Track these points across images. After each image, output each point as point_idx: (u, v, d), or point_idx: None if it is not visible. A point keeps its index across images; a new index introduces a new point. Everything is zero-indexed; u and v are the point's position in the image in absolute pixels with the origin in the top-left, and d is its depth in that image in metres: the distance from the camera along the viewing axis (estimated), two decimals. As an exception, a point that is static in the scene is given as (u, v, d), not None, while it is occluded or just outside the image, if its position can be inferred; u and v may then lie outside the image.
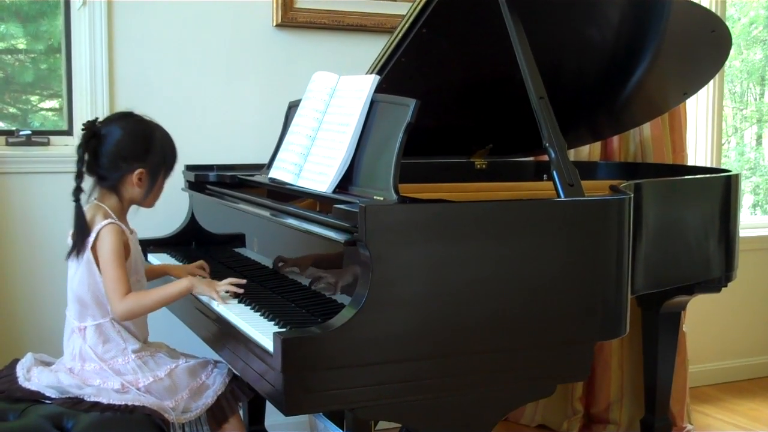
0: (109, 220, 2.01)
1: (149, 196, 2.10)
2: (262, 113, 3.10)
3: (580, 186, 2.01)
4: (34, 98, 3.08)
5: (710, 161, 4.04)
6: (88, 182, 2.06)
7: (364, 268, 1.68)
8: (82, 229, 2.01)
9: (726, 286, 2.74)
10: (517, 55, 2.11)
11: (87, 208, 2.06)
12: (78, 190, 2.01)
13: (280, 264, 2.21)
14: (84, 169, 2.01)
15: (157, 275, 2.34)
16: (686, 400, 3.44)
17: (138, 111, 2.13)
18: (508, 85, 2.47)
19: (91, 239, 2.00)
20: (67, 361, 2.05)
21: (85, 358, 2.02)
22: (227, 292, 2.06)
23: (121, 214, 2.08)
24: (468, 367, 1.79)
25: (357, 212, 1.68)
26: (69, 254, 2.04)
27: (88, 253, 2.00)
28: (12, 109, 3.02)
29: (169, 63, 2.99)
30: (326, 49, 3.19)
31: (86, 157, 2.01)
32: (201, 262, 2.34)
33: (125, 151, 2.04)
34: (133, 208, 2.15)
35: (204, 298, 2.10)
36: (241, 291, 2.07)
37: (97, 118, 2.09)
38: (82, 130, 2.04)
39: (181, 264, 2.46)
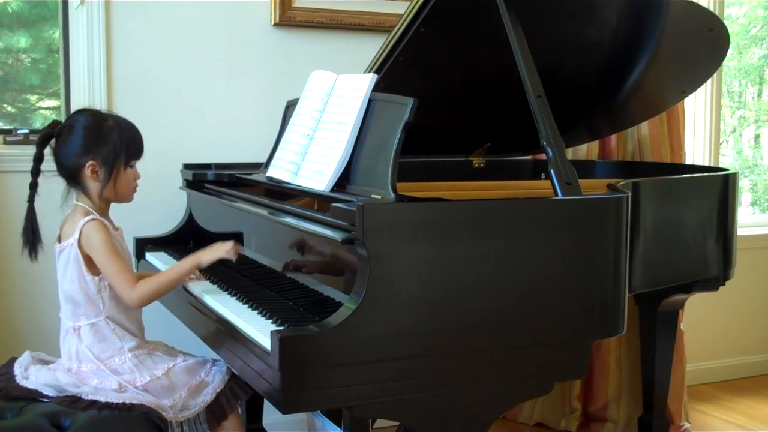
0: (90, 217, 2.03)
1: (109, 187, 2.06)
2: (260, 112, 3.10)
3: (578, 185, 2.01)
4: (33, 98, 3.08)
5: (708, 160, 4.04)
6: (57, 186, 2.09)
7: (361, 267, 1.68)
8: (29, 230, 2.06)
9: (723, 284, 2.74)
10: (514, 54, 2.12)
11: (69, 212, 2.09)
12: (32, 190, 2.06)
13: (277, 262, 2.21)
14: (41, 168, 2.06)
15: None
16: (684, 399, 3.44)
17: (95, 105, 2.16)
18: (506, 84, 2.47)
19: (75, 236, 2.01)
20: (65, 361, 2.05)
21: (81, 359, 2.02)
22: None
23: (101, 212, 2.09)
24: (465, 366, 1.79)
25: (354, 211, 1.68)
26: (23, 251, 2.08)
27: (75, 251, 2.01)
28: (11, 108, 3.02)
29: (167, 62, 2.99)
30: (324, 48, 3.19)
31: (42, 157, 2.06)
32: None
33: (74, 146, 2.05)
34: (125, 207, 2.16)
35: (195, 291, 2.13)
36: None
37: (59, 121, 2.11)
38: (44, 129, 2.09)
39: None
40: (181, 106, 3.01)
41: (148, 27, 2.96)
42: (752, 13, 4.61)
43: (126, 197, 2.14)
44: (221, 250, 2.10)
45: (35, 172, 2.06)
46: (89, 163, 2.04)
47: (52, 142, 2.08)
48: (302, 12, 3.11)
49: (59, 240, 2.06)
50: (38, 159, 2.06)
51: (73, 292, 2.03)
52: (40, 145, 2.07)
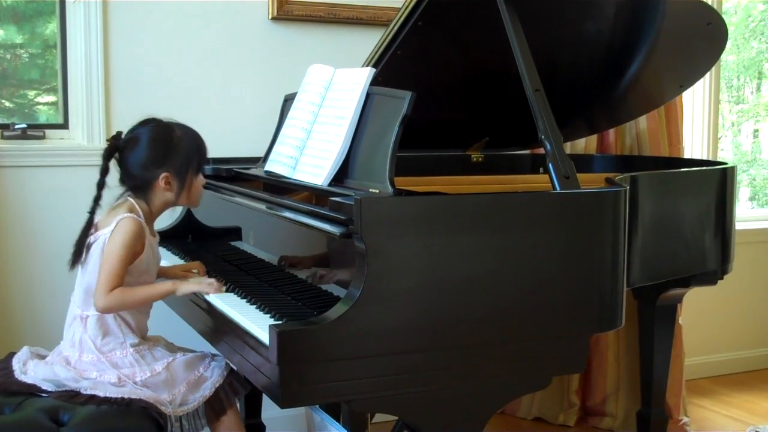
0: (132, 214, 2.03)
1: (183, 195, 2.09)
2: (258, 106, 3.10)
3: (576, 178, 2.01)
4: (31, 93, 3.08)
5: (706, 154, 4.04)
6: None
7: (359, 261, 1.68)
8: (82, 241, 2.04)
9: (722, 278, 2.74)
10: (512, 48, 2.11)
11: (115, 204, 2.09)
12: (95, 203, 2.05)
13: (276, 257, 2.21)
14: (106, 180, 2.05)
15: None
16: (682, 393, 3.44)
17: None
18: (505, 78, 2.46)
19: (111, 228, 2.00)
20: (66, 348, 2.05)
21: (83, 348, 2.02)
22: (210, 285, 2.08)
23: (149, 217, 2.10)
24: (463, 360, 1.79)
25: (352, 205, 1.68)
26: (71, 263, 2.05)
27: (106, 243, 2.00)
28: (8, 104, 3.02)
29: (165, 56, 2.99)
30: (322, 42, 3.18)
31: (108, 169, 2.06)
32: (198, 263, 2.32)
33: (146, 159, 2.06)
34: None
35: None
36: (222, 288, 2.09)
37: (121, 132, 2.10)
38: (107, 142, 2.09)
39: (177, 264, 2.43)
40: (178, 101, 3.01)
41: (146, 21, 2.95)
42: (751, 7, 4.61)
43: (196, 202, 2.17)
44: (202, 284, 2.08)
45: (101, 185, 2.06)
46: (163, 175, 2.06)
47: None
48: (300, 6, 3.11)
49: (95, 229, 2.06)
50: (104, 172, 2.06)
51: (93, 283, 2.02)
52: (106, 158, 2.06)
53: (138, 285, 2.04)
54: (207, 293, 2.07)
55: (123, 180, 2.09)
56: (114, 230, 2.00)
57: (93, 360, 2.01)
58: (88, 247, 2.05)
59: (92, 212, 2.06)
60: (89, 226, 2.06)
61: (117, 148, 2.07)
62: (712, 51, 2.79)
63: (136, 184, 2.08)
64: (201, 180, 2.15)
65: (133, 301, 2.03)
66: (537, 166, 3.19)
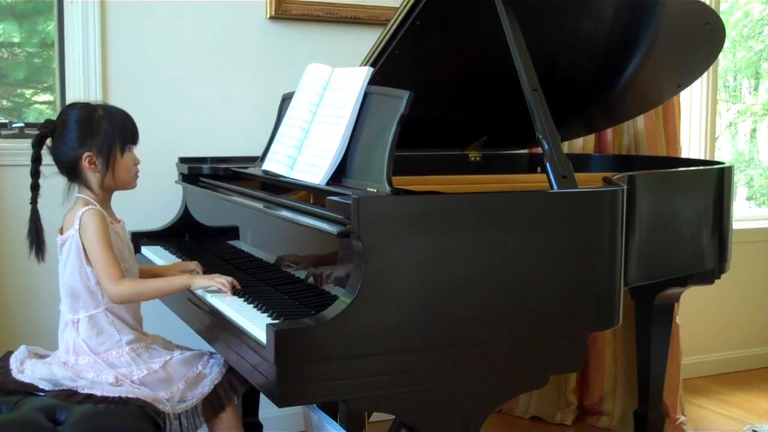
0: (89, 206, 2.03)
1: (108, 175, 2.07)
2: (255, 106, 3.10)
3: (574, 178, 2.01)
4: (28, 92, 3.08)
5: (704, 154, 4.05)
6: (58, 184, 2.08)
7: (357, 260, 1.68)
8: (33, 231, 2.06)
9: (719, 277, 2.74)
10: (510, 48, 2.11)
11: (71, 205, 2.09)
12: (34, 192, 2.06)
13: (273, 256, 2.21)
14: (40, 169, 2.06)
15: (149, 277, 2.31)
16: (679, 392, 3.45)
17: (90, 100, 2.16)
18: (503, 78, 2.46)
19: (75, 227, 2.01)
20: (62, 354, 2.05)
21: (78, 352, 2.02)
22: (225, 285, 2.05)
23: (102, 203, 2.08)
24: (461, 358, 1.79)
25: (350, 204, 1.68)
26: (31, 252, 2.07)
27: (77, 242, 2.01)
28: (6, 103, 3.01)
29: (163, 56, 2.99)
30: (320, 42, 3.18)
31: (40, 158, 2.06)
32: (195, 263, 2.32)
33: (68, 141, 2.05)
34: (126, 196, 2.15)
35: (198, 291, 2.10)
36: (239, 286, 2.06)
37: (51, 120, 2.11)
38: (38, 130, 2.09)
39: (173, 263, 2.43)
40: (176, 100, 3.01)
41: (144, 20, 2.95)
42: (750, 7, 4.61)
43: (127, 184, 2.14)
44: (217, 281, 2.05)
45: (34, 173, 2.06)
46: (86, 154, 2.05)
47: (48, 141, 2.08)
48: (298, 5, 3.11)
49: (61, 232, 2.06)
50: (36, 159, 2.06)
51: (73, 284, 2.02)
52: (36, 146, 2.07)
53: None
54: (221, 291, 2.04)
55: (57, 168, 2.08)
56: (80, 229, 2.01)
57: (89, 362, 2.01)
58: (60, 249, 2.05)
59: (33, 202, 2.07)
60: (35, 215, 2.07)
61: (46, 135, 2.07)
62: (710, 51, 2.79)
63: (68, 169, 2.07)
64: (131, 159, 2.12)
65: (145, 292, 2.05)
66: (535, 166, 3.19)
